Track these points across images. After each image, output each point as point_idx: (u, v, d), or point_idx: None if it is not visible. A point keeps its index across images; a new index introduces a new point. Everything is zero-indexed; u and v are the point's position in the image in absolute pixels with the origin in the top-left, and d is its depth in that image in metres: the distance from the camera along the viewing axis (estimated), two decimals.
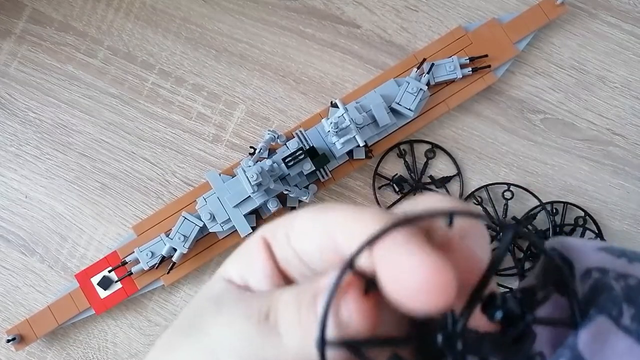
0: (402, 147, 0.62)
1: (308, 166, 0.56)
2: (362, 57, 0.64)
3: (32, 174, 0.63)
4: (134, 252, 0.57)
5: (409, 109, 0.58)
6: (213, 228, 0.56)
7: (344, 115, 0.54)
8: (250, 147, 0.60)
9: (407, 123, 0.60)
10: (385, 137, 0.60)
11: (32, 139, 0.63)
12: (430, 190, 0.62)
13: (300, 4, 0.65)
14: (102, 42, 0.64)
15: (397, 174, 0.62)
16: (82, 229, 0.62)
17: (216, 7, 0.65)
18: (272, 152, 0.58)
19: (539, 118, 0.63)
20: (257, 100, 0.64)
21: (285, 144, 0.57)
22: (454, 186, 0.62)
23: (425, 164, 0.62)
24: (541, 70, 0.64)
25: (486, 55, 0.61)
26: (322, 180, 0.59)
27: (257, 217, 0.59)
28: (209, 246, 0.58)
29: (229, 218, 0.55)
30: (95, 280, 0.58)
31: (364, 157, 0.59)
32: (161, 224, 0.59)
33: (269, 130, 0.56)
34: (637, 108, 0.63)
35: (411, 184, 0.62)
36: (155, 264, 0.56)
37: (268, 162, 0.54)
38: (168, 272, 0.57)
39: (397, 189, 0.61)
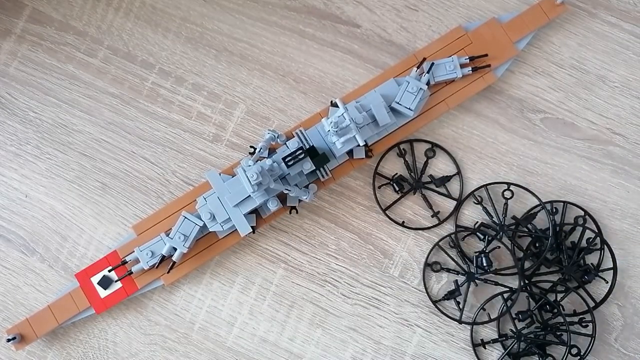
0: (402, 146, 0.62)
1: (308, 165, 0.56)
2: (362, 57, 0.64)
3: (32, 173, 0.63)
4: (134, 251, 0.57)
5: (409, 109, 0.58)
6: (213, 227, 0.56)
7: (344, 114, 0.54)
8: (250, 146, 0.60)
9: (407, 122, 0.60)
10: (386, 136, 0.60)
11: (32, 139, 0.63)
12: (431, 189, 0.62)
13: (300, 4, 0.65)
14: (102, 41, 0.64)
15: (397, 174, 0.62)
16: (82, 229, 0.62)
17: (216, 6, 0.65)
18: (272, 151, 0.58)
19: (539, 117, 0.63)
20: (257, 99, 0.64)
21: (285, 144, 0.57)
22: (454, 185, 0.62)
23: (425, 164, 0.62)
24: (541, 69, 0.64)
25: (486, 55, 0.61)
26: (322, 179, 0.59)
27: (257, 217, 0.59)
28: (209, 246, 0.58)
29: (229, 217, 0.55)
30: (96, 279, 0.58)
31: (364, 156, 0.59)
32: (161, 223, 0.59)
33: (269, 130, 0.56)
34: (637, 108, 0.63)
35: (411, 184, 0.62)
36: (156, 263, 0.56)
37: (268, 161, 0.54)
38: (168, 272, 0.57)
39: (397, 189, 0.61)
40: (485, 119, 0.63)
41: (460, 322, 0.59)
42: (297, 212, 0.61)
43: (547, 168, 0.63)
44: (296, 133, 0.58)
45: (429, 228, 0.62)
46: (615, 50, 0.64)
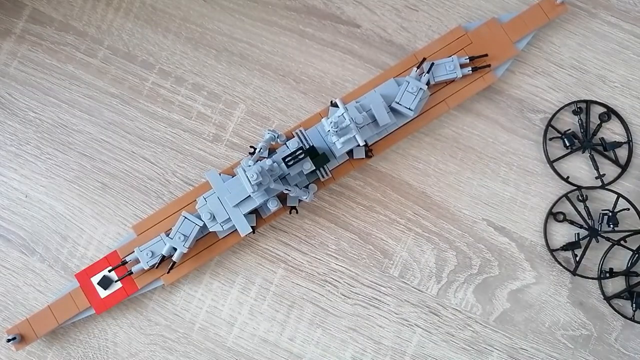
0: (578, 105, 0.62)
1: (308, 166, 0.56)
2: (362, 57, 0.64)
3: (32, 173, 0.63)
4: (134, 251, 0.57)
5: (409, 109, 0.58)
6: (213, 227, 0.56)
7: (344, 114, 0.54)
8: (250, 146, 0.60)
9: (407, 122, 0.60)
10: (386, 136, 0.60)
11: (32, 139, 0.63)
12: (598, 152, 0.62)
13: (300, 4, 0.65)
14: (102, 41, 0.64)
15: (569, 129, 0.62)
16: (82, 229, 0.62)
17: (216, 6, 0.65)
18: (272, 151, 0.58)
19: (539, 117, 0.63)
20: (257, 99, 0.64)
21: (285, 144, 0.57)
22: (622, 152, 0.63)
23: (599, 126, 0.62)
24: (541, 69, 0.64)
25: (486, 55, 0.61)
26: (322, 179, 0.59)
27: (257, 217, 0.59)
28: (209, 246, 0.59)
29: (229, 217, 0.55)
30: (96, 279, 0.58)
31: (364, 156, 0.59)
32: (161, 223, 0.59)
33: (269, 130, 0.56)
34: (637, 108, 0.63)
35: (581, 142, 0.62)
36: (156, 263, 0.56)
37: (268, 161, 0.54)
38: (168, 272, 0.57)
39: (567, 144, 0.62)
40: (485, 119, 0.63)
41: (574, 274, 0.60)
42: (297, 212, 0.61)
43: (547, 169, 0.63)
44: (296, 133, 0.58)
45: (592, 188, 0.62)
46: (615, 50, 0.64)
